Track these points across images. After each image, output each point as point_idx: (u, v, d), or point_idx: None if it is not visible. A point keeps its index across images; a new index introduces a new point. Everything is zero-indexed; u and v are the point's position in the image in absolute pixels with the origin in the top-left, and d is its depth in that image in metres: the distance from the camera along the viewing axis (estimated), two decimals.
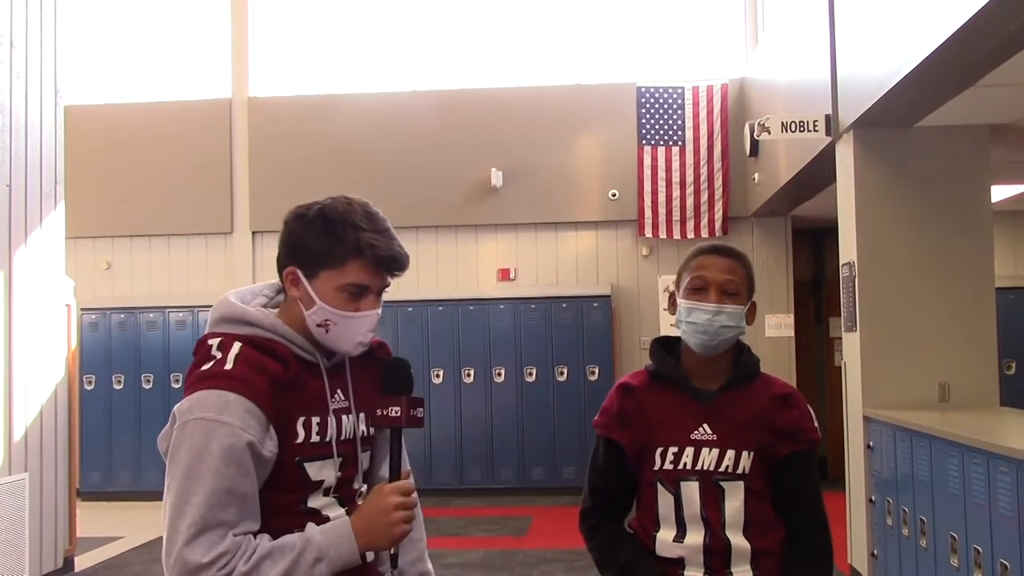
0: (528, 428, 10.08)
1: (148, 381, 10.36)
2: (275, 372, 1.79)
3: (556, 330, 10.16)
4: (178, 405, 1.76)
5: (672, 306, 2.41)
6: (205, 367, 1.79)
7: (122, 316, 10.47)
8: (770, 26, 9.84)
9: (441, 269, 10.61)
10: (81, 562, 7.27)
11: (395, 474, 1.90)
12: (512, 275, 10.71)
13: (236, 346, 1.80)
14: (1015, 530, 3.96)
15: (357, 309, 1.86)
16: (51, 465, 6.81)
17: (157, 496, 9.23)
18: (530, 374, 10.10)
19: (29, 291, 6.66)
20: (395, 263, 1.87)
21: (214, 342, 1.82)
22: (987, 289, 6.19)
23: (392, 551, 1.87)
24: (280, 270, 1.91)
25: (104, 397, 10.36)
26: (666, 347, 2.42)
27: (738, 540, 2.24)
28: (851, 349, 6.35)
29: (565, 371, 10.09)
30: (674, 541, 2.26)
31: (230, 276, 10.89)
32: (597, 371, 10.07)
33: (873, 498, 5.89)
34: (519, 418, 10.10)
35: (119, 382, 10.38)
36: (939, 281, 6.13)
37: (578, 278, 10.66)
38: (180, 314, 10.45)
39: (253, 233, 10.92)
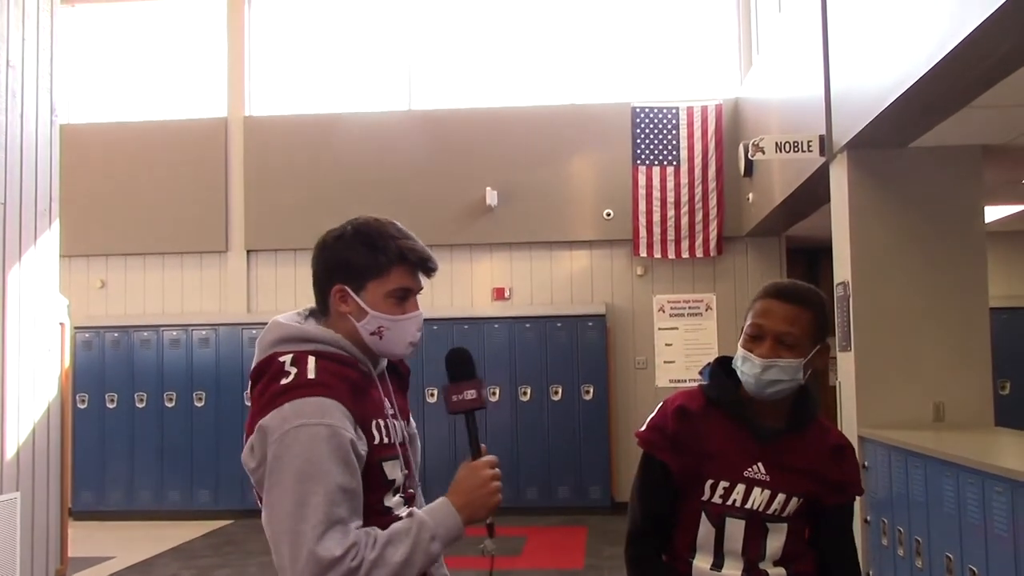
0: (523, 447, 10.04)
1: (141, 400, 10.32)
2: (353, 379, 1.94)
3: (551, 349, 10.15)
4: (266, 420, 1.83)
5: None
6: (285, 381, 1.87)
7: (116, 335, 10.45)
8: (764, 47, 9.89)
9: (436, 288, 10.60)
10: None
11: (476, 451, 2.03)
12: (507, 294, 10.71)
13: (311, 359, 1.91)
14: (1010, 550, 3.96)
15: (404, 312, 2.03)
16: (43, 484, 6.77)
17: (150, 516, 9.19)
18: (524, 393, 10.09)
19: (23, 309, 6.64)
20: (431, 263, 2.05)
21: (286, 358, 1.91)
22: (981, 309, 6.20)
23: (489, 520, 2.00)
24: (322, 291, 2.04)
25: (97, 416, 10.32)
26: (726, 368, 2.35)
27: (775, 571, 2.26)
28: (845, 369, 6.36)
29: (560, 390, 10.08)
30: (711, 570, 2.26)
31: (224, 295, 10.88)
32: (592, 390, 10.05)
33: (868, 518, 5.88)
34: (514, 437, 10.07)
35: (112, 401, 10.35)
36: (933, 301, 6.14)
37: (573, 297, 10.67)
38: (174, 333, 10.43)
39: (248, 252, 10.91)
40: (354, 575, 1.76)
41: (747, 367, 2.24)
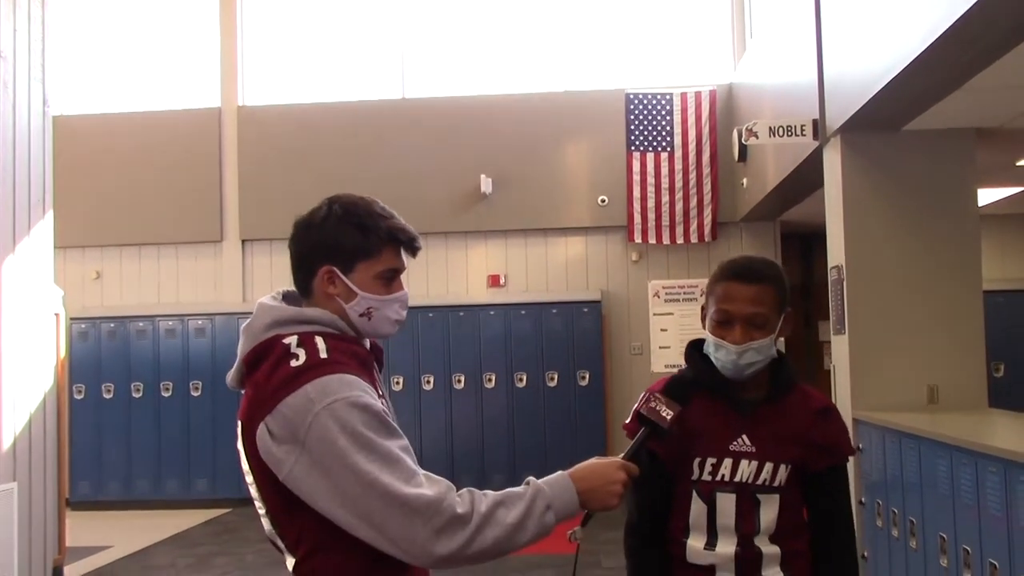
0: (519, 434, 10.07)
1: (138, 390, 10.33)
2: (362, 356, 1.93)
3: (546, 336, 10.16)
4: (289, 402, 1.76)
5: (705, 321, 2.35)
6: (296, 363, 1.80)
7: (112, 325, 10.45)
8: (757, 32, 9.88)
9: (431, 275, 10.61)
10: (70, 572, 7.24)
11: (630, 457, 2.03)
12: (502, 281, 10.72)
13: (319, 339, 1.85)
14: (1004, 530, 3.98)
15: (391, 292, 1.99)
16: (40, 474, 6.78)
17: (147, 505, 9.19)
18: (520, 380, 10.10)
19: (17, 300, 6.64)
20: (417, 242, 2.04)
21: (291, 340, 1.85)
22: (975, 292, 6.22)
23: (589, 513, 1.95)
24: (307, 273, 1.97)
25: (94, 406, 10.32)
26: (701, 350, 2.36)
27: (769, 548, 2.25)
28: (840, 352, 6.37)
29: (555, 376, 10.09)
30: (705, 549, 2.26)
31: (220, 285, 10.88)
32: (588, 376, 10.07)
33: (863, 500, 5.90)
34: (510, 424, 10.10)
35: (109, 391, 10.35)
36: (927, 284, 6.15)
37: (568, 284, 10.68)
38: (170, 323, 10.43)
39: (243, 241, 10.91)
40: (462, 523, 1.72)
41: (722, 354, 2.26)
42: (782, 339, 2.36)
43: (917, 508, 5.01)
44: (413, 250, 2.04)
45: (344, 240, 1.94)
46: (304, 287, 1.99)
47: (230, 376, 1.96)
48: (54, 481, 7.00)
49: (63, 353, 7.40)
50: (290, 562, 1.88)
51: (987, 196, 8.46)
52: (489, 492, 1.81)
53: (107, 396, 10.36)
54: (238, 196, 10.92)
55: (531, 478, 1.87)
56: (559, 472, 1.90)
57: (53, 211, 7.17)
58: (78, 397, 10.25)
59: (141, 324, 10.44)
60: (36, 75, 6.98)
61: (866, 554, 5.89)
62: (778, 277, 2.30)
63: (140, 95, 11.29)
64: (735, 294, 2.25)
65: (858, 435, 5.99)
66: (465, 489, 1.79)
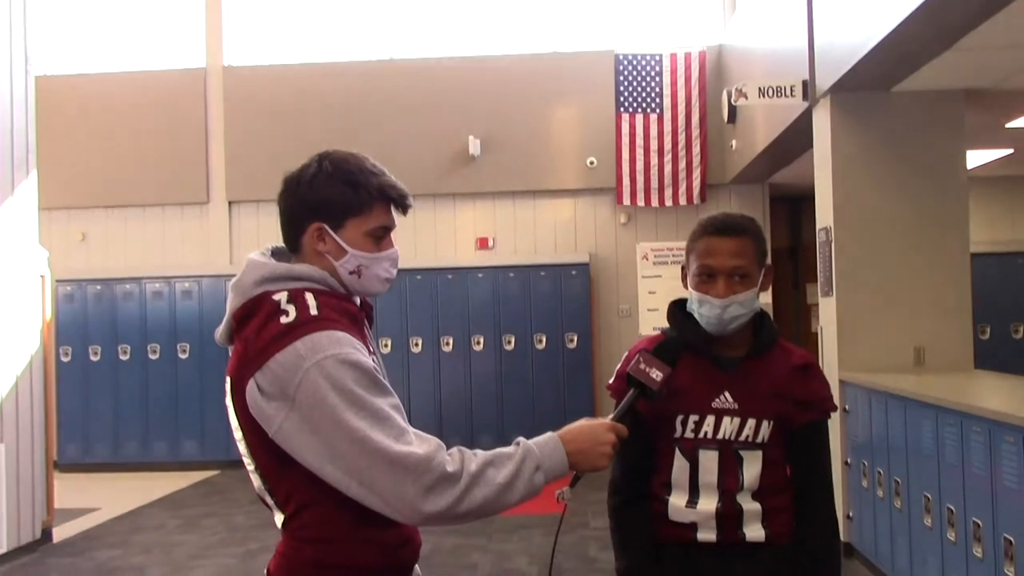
0: (507, 396, 10.10)
1: (125, 352, 10.31)
2: (353, 312, 1.91)
3: (535, 298, 10.17)
4: (279, 358, 1.74)
5: (686, 280, 2.36)
6: (286, 320, 1.79)
7: (98, 287, 10.40)
8: None
9: (419, 238, 10.58)
10: (59, 533, 7.26)
11: (619, 419, 2.03)
12: (490, 243, 10.70)
13: (309, 295, 1.84)
14: (987, 489, 4.01)
15: (381, 250, 1.97)
16: (27, 436, 6.78)
17: (135, 467, 9.16)
18: (509, 342, 10.12)
19: (2, 261, 6.60)
20: (408, 200, 2.01)
21: (280, 296, 1.83)
22: (962, 254, 6.23)
23: (578, 474, 1.95)
24: (296, 230, 1.94)
25: (81, 369, 10.31)
26: (683, 309, 2.37)
27: (750, 505, 2.26)
28: (827, 314, 6.39)
29: (544, 339, 10.11)
30: (687, 507, 2.27)
31: (206, 246, 10.83)
32: (576, 339, 10.09)
33: (849, 461, 5.95)
34: (498, 386, 10.12)
35: (96, 353, 10.33)
36: (915, 246, 6.16)
37: (556, 246, 10.67)
38: (156, 285, 10.39)
39: (229, 203, 10.85)
40: (452, 481, 1.72)
41: (706, 309, 2.26)
42: (768, 299, 2.36)
43: (902, 468, 5.05)
44: (404, 207, 2.01)
45: (334, 197, 1.92)
46: (293, 244, 1.97)
47: (219, 332, 1.94)
48: (41, 443, 7.00)
49: (49, 315, 7.37)
50: (279, 518, 1.88)
51: (976, 158, 8.46)
52: (479, 451, 1.80)
53: (94, 358, 10.33)
54: (224, 157, 10.84)
55: (521, 438, 1.86)
56: (549, 433, 1.89)
57: (37, 172, 7.10)
58: (65, 359, 10.23)
59: (127, 286, 10.40)
60: (17, 35, 6.88)
61: (851, 514, 5.95)
62: (757, 231, 2.32)
63: (124, 55, 11.15)
64: (717, 248, 2.27)
65: (844, 396, 6.03)
66: (455, 448, 1.79)
